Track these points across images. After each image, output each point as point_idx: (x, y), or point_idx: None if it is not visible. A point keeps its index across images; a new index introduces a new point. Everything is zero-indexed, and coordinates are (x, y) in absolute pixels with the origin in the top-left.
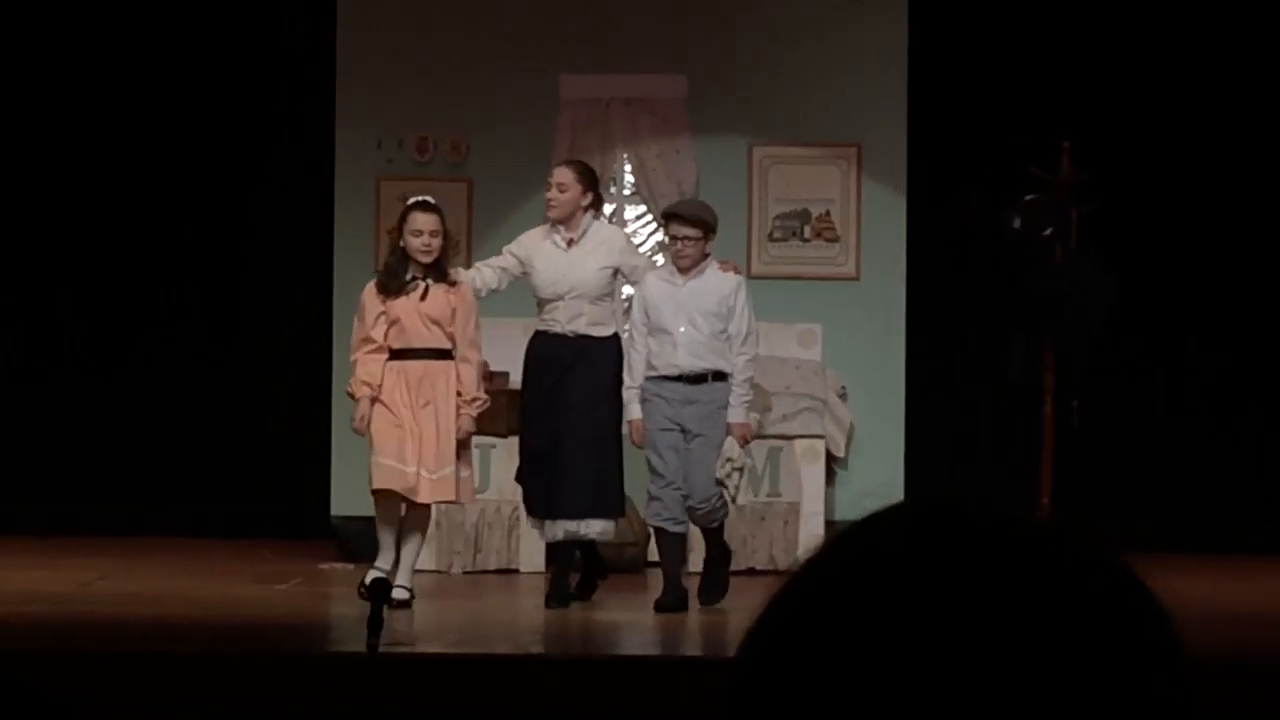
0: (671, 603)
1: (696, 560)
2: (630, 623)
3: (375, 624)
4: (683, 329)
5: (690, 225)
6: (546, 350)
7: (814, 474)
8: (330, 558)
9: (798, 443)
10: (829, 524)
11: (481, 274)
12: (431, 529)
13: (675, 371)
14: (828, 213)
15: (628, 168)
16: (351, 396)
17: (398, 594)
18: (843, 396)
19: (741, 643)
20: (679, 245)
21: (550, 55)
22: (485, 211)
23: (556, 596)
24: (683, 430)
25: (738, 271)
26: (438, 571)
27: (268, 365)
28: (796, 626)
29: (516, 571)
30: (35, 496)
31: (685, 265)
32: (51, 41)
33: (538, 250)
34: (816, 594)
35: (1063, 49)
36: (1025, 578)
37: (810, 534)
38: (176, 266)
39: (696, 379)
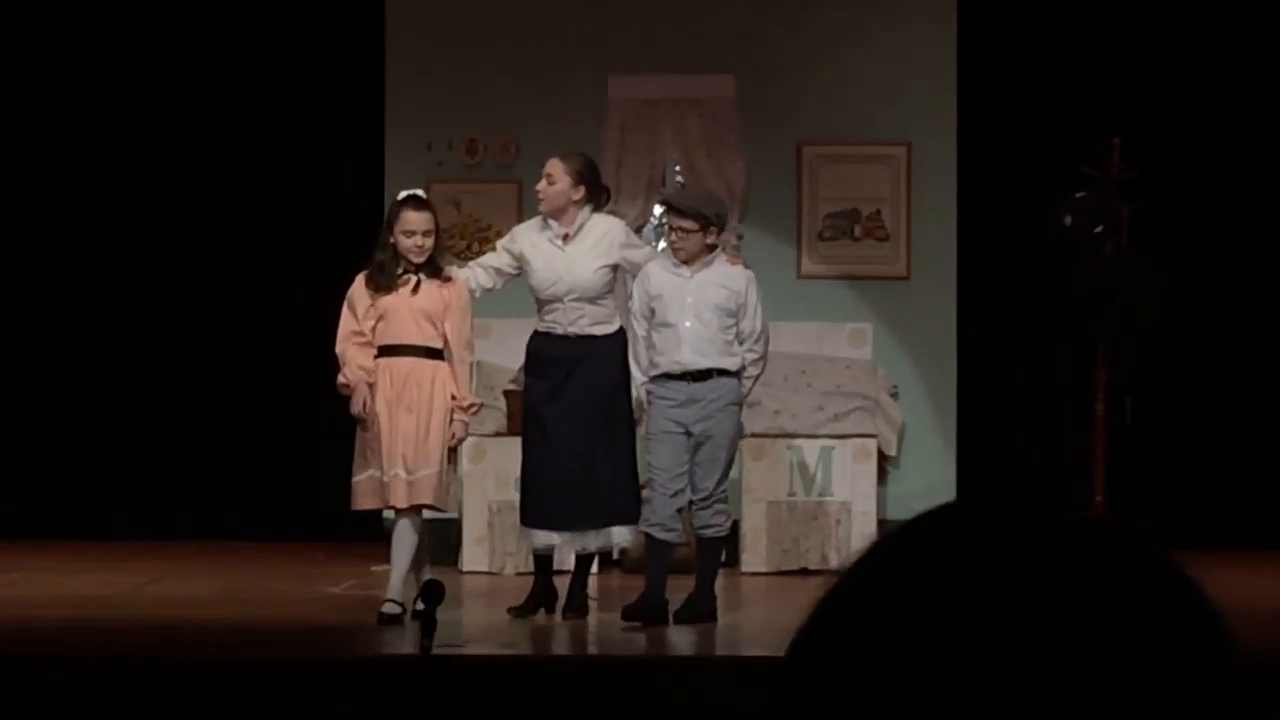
0: (642, 612)
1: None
2: (686, 624)
3: (428, 626)
4: (689, 324)
5: (685, 217)
6: (548, 352)
7: (865, 473)
8: (383, 560)
9: (849, 442)
10: (881, 523)
11: (475, 274)
12: (484, 530)
13: (679, 369)
14: (878, 212)
15: (677, 168)
16: (345, 389)
17: (387, 609)
18: (894, 395)
19: (790, 644)
20: (674, 236)
21: (599, 56)
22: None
23: (573, 607)
24: (687, 433)
25: (747, 265)
26: (490, 573)
27: (321, 366)
28: (844, 628)
29: (568, 573)
30: (86, 501)
31: (682, 258)
32: (96, 41)
33: (534, 247)
34: (863, 596)
35: (1112, 45)
36: (1072, 579)
37: (862, 533)
38: (228, 267)
39: (700, 376)
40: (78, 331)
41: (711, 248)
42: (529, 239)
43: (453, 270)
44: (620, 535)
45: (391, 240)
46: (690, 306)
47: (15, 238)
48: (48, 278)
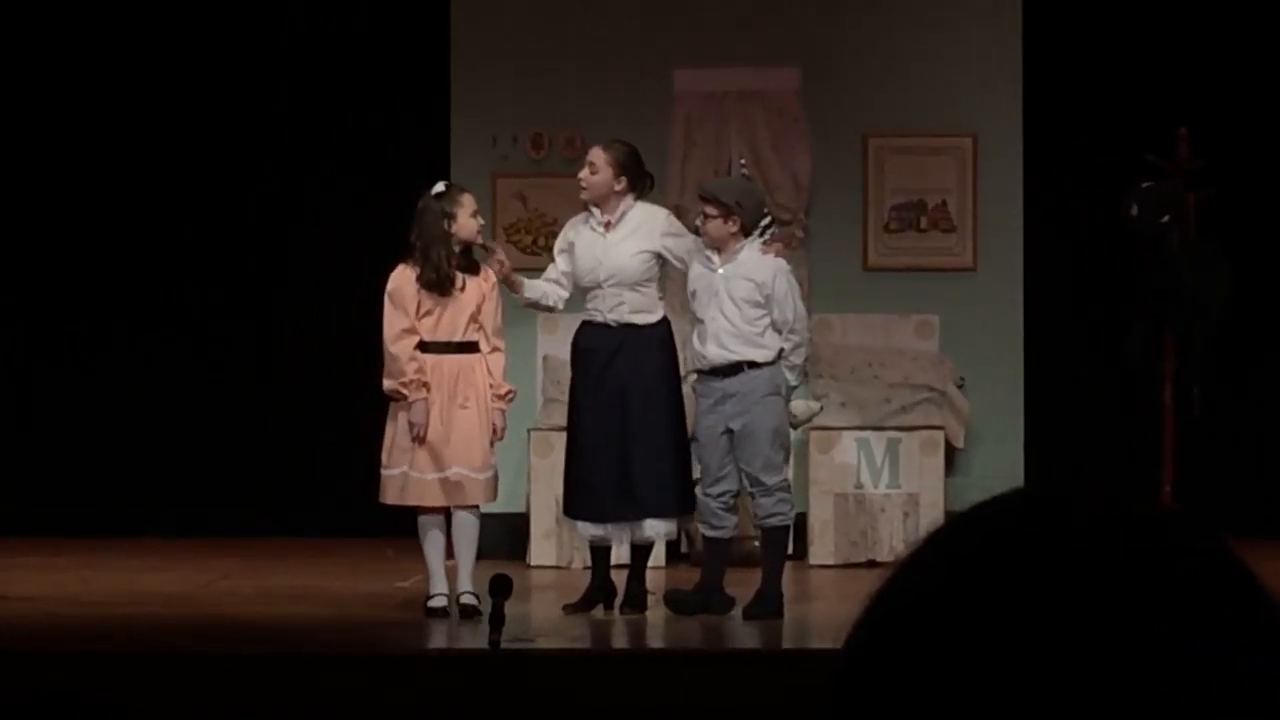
0: (689, 604)
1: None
2: (756, 620)
3: (497, 620)
4: (715, 317)
5: (707, 202)
6: (591, 341)
7: (933, 465)
8: (451, 554)
9: (917, 434)
10: (948, 515)
11: (550, 291)
12: (551, 524)
13: (706, 365)
14: (944, 203)
15: (742, 161)
16: (397, 394)
17: (466, 599)
18: (961, 387)
19: (848, 636)
20: (699, 220)
21: (664, 49)
22: None
23: (630, 601)
24: (728, 430)
25: (780, 254)
26: (558, 567)
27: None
28: (903, 618)
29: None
30: (156, 498)
31: (706, 243)
32: (154, 32)
33: (577, 234)
34: (922, 586)
35: (1179, 34)
36: (1132, 569)
37: (929, 525)
38: (293, 261)
39: (730, 370)
40: (142, 327)
41: (737, 236)
42: (574, 229)
43: (498, 252)
44: (654, 528)
45: (451, 230)
46: (717, 299)
47: (127, 235)
48: (151, 275)
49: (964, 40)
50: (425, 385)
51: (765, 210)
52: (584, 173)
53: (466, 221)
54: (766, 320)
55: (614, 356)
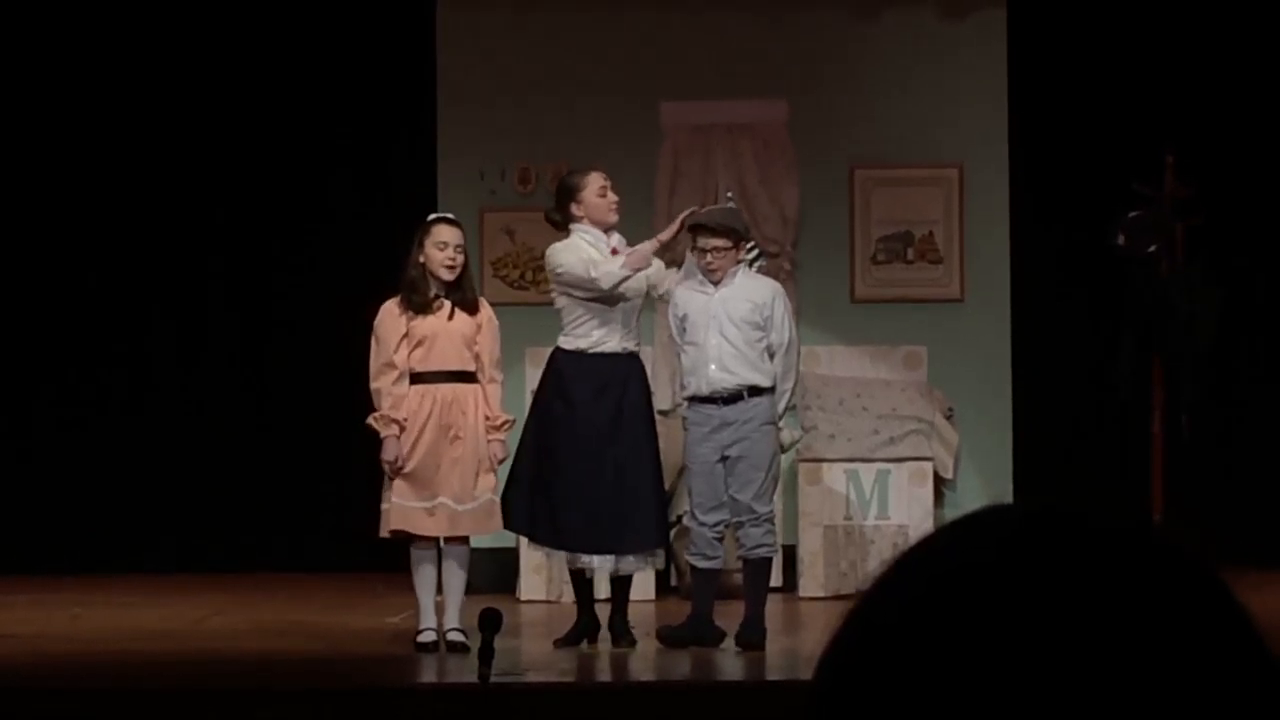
0: (682, 636)
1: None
2: (744, 650)
3: (486, 655)
4: (715, 340)
5: (718, 235)
6: (601, 370)
7: (922, 496)
8: (441, 590)
9: (905, 465)
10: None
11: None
12: (541, 558)
13: (707, 390)
14: (931, 234)
15: (729, 194)
16: (371, 428)
17: (453, 636)
18: (949, 418)
19: (820, 660)
20: (708, 258)
21: (651, 83)
22: None
23: (619, 633)
24: (723, 458)
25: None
26: (548, 602)
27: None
28: (872, 643)
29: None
30: (147, 534)
31: (717, 278)
32: (137, 67)
33: (596, 250)
34: (889, 611)
35: (1163, 63)
36: (1112, 590)
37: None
38: (284, 298)
39: (731, 398)
40: (134, 363)
41: (737, 262)
42: (586, 245)
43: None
44: (636, 561)
45: (421, 259)
46: (715, 322)
47: (80, 270)
48: (103, 310)
49: (949, 71)
50: (396, 421)
51: (752, 241)
52: (613, 196)
53: (431, 252)
54: (765, 343)
55: (618, 385)
